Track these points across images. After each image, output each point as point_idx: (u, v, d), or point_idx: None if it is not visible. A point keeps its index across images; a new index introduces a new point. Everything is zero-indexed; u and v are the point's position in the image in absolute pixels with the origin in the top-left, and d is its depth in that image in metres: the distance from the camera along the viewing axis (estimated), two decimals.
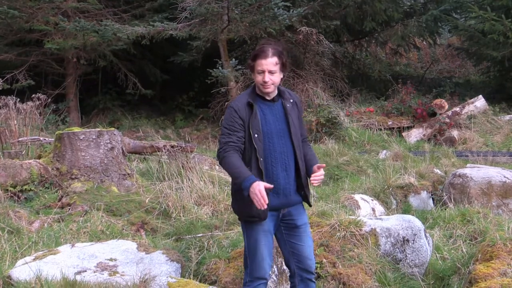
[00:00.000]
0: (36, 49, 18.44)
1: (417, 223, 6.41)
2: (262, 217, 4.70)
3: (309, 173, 4.90)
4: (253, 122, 4.71)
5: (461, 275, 6.05)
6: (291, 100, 4.92)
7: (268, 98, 4.84)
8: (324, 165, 4.85)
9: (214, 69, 15.18)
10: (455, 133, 14.77)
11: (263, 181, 4.57)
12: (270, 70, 4.68)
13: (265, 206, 4.38)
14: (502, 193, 8.90)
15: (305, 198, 4.98)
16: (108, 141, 8.78)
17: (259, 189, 4.39)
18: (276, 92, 4.86)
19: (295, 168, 4.86)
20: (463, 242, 7.10)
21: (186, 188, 8.52)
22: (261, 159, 4.70)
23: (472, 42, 19.11)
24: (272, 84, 4.73)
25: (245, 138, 4.73)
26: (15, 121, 10.76)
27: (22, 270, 5.34)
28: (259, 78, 4.72)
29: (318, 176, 4.77)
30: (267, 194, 4.52)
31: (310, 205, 5.23)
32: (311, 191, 5.36)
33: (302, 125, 5.06)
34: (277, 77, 4.75)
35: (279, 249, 5.38)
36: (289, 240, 4.99)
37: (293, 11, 15.26)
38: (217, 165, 10.28)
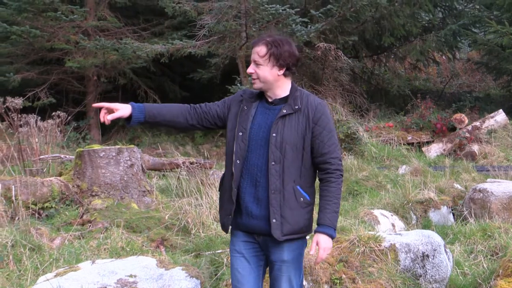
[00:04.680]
0: (57, 67, 18.69)
1: (437, 238, 6.39)
2: (225, 227, 4.22)
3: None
4: (242, 118, 4.11)
5: None
6: (296, 106, 4.04)
7: (269, 99, 4.13)
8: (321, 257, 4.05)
9: (233, 86, 15.23)
10: (475, 147, 14.69)
11: (231, 186, 4.07)
12: (254, 60, 4.03)
13: (102, 116, 3.97)
14: None
15: (272, 228, 4.00)
16: (128, 158, 8.82)
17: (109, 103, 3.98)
18: (281, 94, 4.10)
19: (267, 188, 4.00)
20: (484, 258, 7.06)
21: (205, 205, 8.53)
22: (238, 161, 4.05)
23: (491, 56, 19.10)
24: (258, 78, 4.04)
25: (227, 136, 4.17)
26: (36, 139, 10.84)
27: (43, 287, 5.37)
28: None
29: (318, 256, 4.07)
30: (232, 208, 4.09)
31: (277, 239, 4.01)
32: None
33: (321, 142, 4.04)
34: (265, 72, 4.02)
35: None
36: (270, 276, 4.28)
37: (311, 27, 15.33)
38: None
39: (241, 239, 4.19)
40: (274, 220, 3.97)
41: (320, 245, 4.00)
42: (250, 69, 4.06)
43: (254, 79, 4.07)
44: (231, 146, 4.12)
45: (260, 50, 4.00)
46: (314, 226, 4.16)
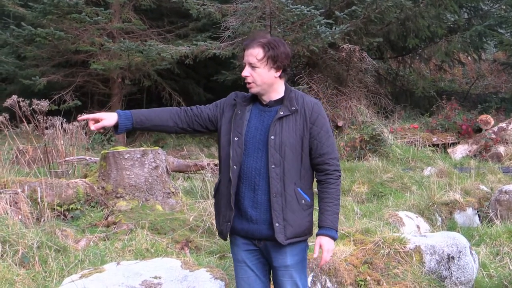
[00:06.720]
0: (82, 70, 18.79)
1: (462, 240, 6.34)
2: (223, 235, 4.11)
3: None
4: (236, 123, 4.00)
5: None
6: (293, 108, 3.96)
7: (263, 102, 4.05)
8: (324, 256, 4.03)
9: None
10: (501, 149, 14.56)
11: (229, 191, 3.99)
12: (250, 63, 3.96)
13: (90, 125, 3.88)
14: None
15: (275, 232, 3.92)
16: (153, 160, 8.84)
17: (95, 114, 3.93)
18: (276, 96, 4.03)
19: (268, 192, 3.93)
20: (510, 260, 7.00)
21: None
22: (235, 167, 3.95)
23: None
24: (254, 82, 3.96)
25: (221, 141, 4.09)
26: (62, 141, 10.91)
27: None
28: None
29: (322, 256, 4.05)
30: (231, 214, 3.99)
31: (281, 243, 3.93)
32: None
33: (319, 143, 4.00)
34: (261, 75, 3.95)
35: None
36: (274, 282, 4.20)
37: (335, 29, 15.29)
38: None
39: (242, 248, 4.13)
40: (277, 224, 3.91)
41: (323, 248, 3.98)
42: (245, 72, 3.98)
43: (249, 83, 3.98)
44: (226, 151, 4.03)
45: (257, 52, 3.93)
46: (314, 228, 4.14)
